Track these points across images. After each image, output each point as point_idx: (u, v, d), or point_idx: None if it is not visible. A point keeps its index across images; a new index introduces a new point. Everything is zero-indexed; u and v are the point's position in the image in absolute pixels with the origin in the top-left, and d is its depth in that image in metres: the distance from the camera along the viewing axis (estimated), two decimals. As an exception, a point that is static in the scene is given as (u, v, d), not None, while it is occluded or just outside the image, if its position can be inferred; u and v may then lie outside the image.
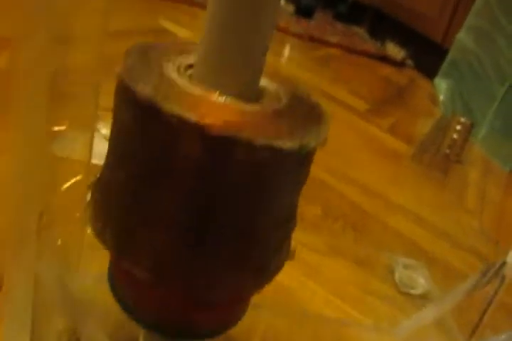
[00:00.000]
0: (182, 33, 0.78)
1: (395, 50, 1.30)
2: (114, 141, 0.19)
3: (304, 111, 0.20)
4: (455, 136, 0.84)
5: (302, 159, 0.19)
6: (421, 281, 0.45)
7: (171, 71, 0.19)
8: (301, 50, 1.09)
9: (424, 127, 0.95)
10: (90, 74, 0.30)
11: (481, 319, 0.35)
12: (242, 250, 0.19)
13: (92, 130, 0.30)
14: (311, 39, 1.10)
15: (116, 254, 0.19)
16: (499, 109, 0.96)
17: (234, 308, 0.22)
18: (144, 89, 0.17)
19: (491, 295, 0.33)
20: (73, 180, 0.24)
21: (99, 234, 0.19)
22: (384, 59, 1.23)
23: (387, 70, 1.21)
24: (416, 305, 0.42)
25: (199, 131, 0.16)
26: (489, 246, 0.62)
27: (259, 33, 0.19)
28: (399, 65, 1.26)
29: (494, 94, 0.96)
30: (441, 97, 1.14)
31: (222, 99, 0.18)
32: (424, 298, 0.43)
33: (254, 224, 0.18)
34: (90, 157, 0.30)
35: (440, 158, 0.84)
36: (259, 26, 0.19)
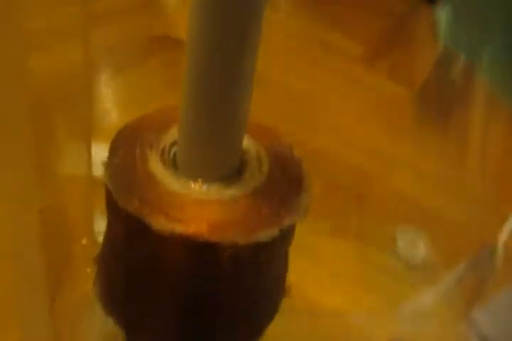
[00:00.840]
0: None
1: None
2: (108, 239, 0.21)
3: (285, 178, 0.22)
4: (457, 76, 0.84)
5: (285, 234, 0.20)
6: (421, 249, 0.47)
7: (155, 163, 0.20)
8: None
9: (426, 65, 0.93)
10: (80, 75, 0.30)
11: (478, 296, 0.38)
12: (234, 323, 0.21)
13: (89, 140, 0.31)
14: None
15: (126, 334, 0.21)
16: (502, 37, 0.94)
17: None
18: (129, 202, 0.18)
19: (483, 279, 0.36)
20: (84, 241, 0.26)
21: (109, 314, 0.22)
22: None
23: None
24: (417, 275, 0.45)
25: (185, 241, 0.18)
26: (492, 193, 0.63)
27: (236, 118, 0.20)
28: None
29: (495, 20, 0.94)
30: (442, 25, 1.11)
31: (204, 190, 0.20)
32: (424, 265, 0.46)
33: (246, 304, 0.21)
34: (91, 170, 0.31)
35: (443, 99, 0.84)
36: (234, 113, 0.20)
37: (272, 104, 0.66)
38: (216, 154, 0.20)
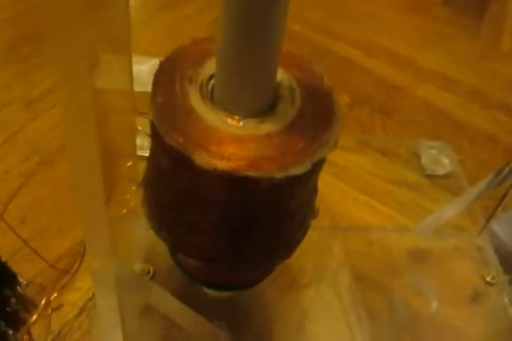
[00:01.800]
0: None
1: None
2: (153, 167, 0.22)
3: (317, 111, 0.23)
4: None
5: (315, 166, 0.22)
6: (445, 162, 0.49)
7: (195, 97, 0.21)
8: None
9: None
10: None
11: (496, 207, 0.39)
12: (271, 244, 0.23)
13: (129, 53, 0.31)
14: None
15: (172, 250, 0.24)
16: None
17: (263, 273, 0.27)
18: (174, 139, 0.20)
19: (505, 194, 0.37)
20: (129, 163, 0.27)
21: (156, 232, 0.24)
22: None
23: None
24: (440, 190, 0.46)
25: (226, 175, 0.19)
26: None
27: (269, 56, 0.21)
28: None
29: None
30: None
31: (241, 125, 0.21)
32: (448, 180, 0.47)
33: (280, 225, 0.23)
34: (132, 85, 0.32)
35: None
36: (268, 50, 0.20)
37: (297, 9, 0.64)
38: (252, 88, 0.21)
